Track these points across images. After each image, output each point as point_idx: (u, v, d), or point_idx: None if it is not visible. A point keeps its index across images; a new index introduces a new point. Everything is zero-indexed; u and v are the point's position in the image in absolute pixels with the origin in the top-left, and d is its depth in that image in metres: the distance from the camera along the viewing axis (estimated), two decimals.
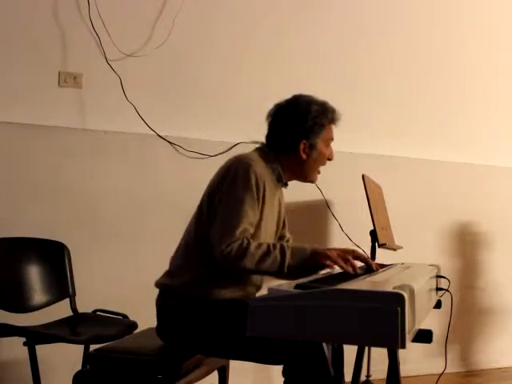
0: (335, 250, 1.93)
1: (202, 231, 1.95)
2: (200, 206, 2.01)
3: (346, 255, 1.90)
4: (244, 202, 1.87)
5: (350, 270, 1.86)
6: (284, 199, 2.19)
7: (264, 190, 1.93)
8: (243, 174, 1.90)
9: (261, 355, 1.84)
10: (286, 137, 2.05)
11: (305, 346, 1.70)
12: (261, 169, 1.95)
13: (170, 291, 1.99)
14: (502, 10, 4.10)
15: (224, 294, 1.94)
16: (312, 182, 2.16)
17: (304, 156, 2.06)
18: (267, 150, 2.08)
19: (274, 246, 1.86)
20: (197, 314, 1.92)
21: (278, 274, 1.88)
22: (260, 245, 1.85)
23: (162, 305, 2.01)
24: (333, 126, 2.11)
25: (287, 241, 2.22)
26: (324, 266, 1.92)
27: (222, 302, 1.93)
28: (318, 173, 2.14)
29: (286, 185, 2.14)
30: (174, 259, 2.06)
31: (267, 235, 2.01)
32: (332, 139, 2.13)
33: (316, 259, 1.88)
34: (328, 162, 2.16)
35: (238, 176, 1.90)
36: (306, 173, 2.11)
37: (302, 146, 2.04)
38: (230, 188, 1.90)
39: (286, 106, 2.08)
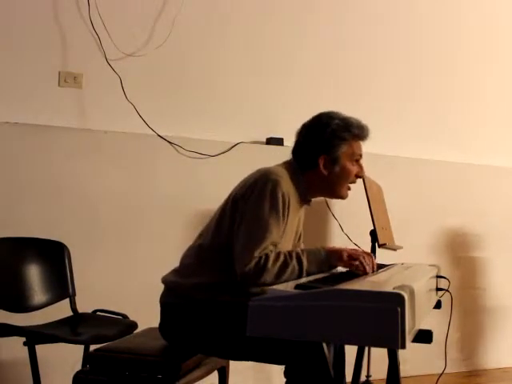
0: (346, 249, 1.93)
1: (220, 237, 1.94)
2: (222, 212, 1.97)
3: (359, 254, 1.91)
4: (269, 221, 1.85)
5: (368, 268, 1.87)
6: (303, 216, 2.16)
7: (288, 210, 1.92)
8: (271, 192, 1.87)
9: (262, 355, 1.84)
10: (306, 152, 2.04)
11: (305, 347, 1.70)
12: (287, 186, 1.93)
13: (176, 290, 1.98)
14: (502, 10, 4.11)
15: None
16: (341, 198, 2.10)
17: (325, 171, 2.02)
18: (295, 167, 2.05)
19: (291, 255, 1.86)
20: (200, 313, 1.92)
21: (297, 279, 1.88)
22: (277, 258, 1.83)
23: (166, 302, 2.01)
24: (361, 143, 2.07)
25: None
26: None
27: (226, 302, 1.92)
28: (348, 189, 2.08)
29: (309, 202, 2.11)
30: (185, 258, 2.05)
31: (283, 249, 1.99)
32: (360, 155, 2.07)
33: (331, 260, 1.90)
34: None
35: (265, 193, 1.87)
36: (331, 189, 2.06)
37: (322, 161, 2.01)
38: (257, 204, 1.87)
39: (308, 123, 2.07)
